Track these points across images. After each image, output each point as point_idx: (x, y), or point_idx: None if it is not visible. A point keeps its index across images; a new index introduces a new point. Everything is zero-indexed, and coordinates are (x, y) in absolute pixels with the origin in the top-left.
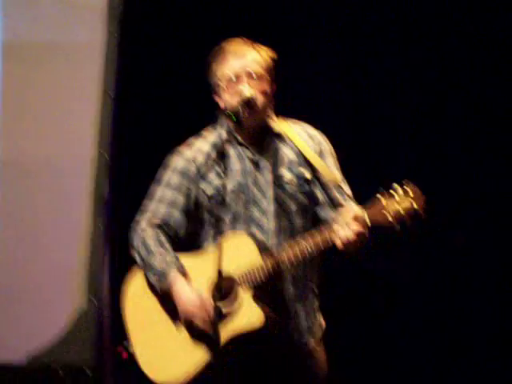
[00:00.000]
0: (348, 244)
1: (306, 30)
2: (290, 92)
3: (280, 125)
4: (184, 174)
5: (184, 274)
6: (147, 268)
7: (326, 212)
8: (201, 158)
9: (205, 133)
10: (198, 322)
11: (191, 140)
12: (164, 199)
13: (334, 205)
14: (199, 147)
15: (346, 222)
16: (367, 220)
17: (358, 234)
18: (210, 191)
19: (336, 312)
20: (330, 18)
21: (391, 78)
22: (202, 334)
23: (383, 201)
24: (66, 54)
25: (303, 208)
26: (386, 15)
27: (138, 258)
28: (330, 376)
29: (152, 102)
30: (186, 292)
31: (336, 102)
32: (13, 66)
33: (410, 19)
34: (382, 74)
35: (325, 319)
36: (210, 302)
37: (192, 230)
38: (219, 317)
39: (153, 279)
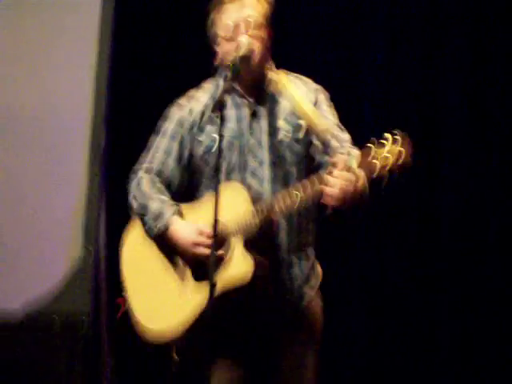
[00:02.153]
0: (338, 194)
1: None
2: (288, 45)
3: (278, 75)
4: (180, 123)
5: (181, 215)
6: (144, 212)
7: (323, 160)
8: (198, 108)
9: (204, 84)
10: (198, 251)
11: (191, 92)
12: (160, 149)
13: (330, 153)
14: (197, 97)
15: (338, 172)
16: (353, 164)
17: (347, 180)
18: (206, 141)
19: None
20: None
21: (385, 27)
22: (201, 273)
23: (373, 149)
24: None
25: (298, 157)
26: None
27: (134, 205)
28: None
29: (152, 49)
30: (185, 226)
31: (334, 57)
32: (7, 15)
33: None
34: (376, 24)
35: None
36: (209, 231)
37: (187, 182)
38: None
39: (150, 222)
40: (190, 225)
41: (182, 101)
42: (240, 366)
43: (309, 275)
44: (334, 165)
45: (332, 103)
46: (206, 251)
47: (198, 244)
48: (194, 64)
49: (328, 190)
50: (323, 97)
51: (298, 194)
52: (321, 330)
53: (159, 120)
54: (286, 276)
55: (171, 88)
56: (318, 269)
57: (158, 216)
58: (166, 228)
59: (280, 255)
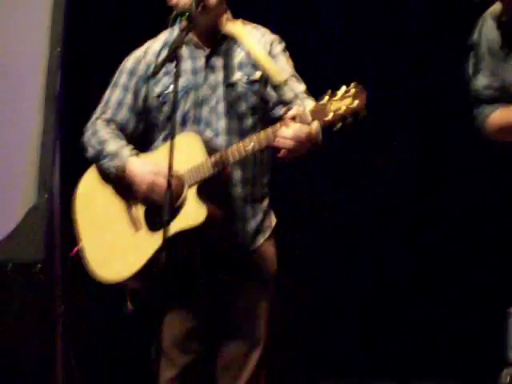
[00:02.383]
0: (292, 144)
1: None
2: None
3: (234, 25)
4: (132, 72)
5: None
6: (100, 155)
7: (278, 111)
8: (150, 56)
9: (160, 35)
10: (157, 189)
11: (147, 43)
12: (112, 98)
13: (285, 104)
14: (149, 46)
15: (292, 123)
16: (307, 116)
17: (300, 131)
18: (159, 89)
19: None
20: None
21: None
22: (154, 222)
23: (328, 100)
24: None
25: (253, 108)
26: None
27: (91, 151)
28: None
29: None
30: (143, 164)
31: (292, 7)
32: None
33: None
34: None
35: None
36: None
37: (142, 131)
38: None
39: (107, 163)
40: (150, 163)
41: (136, 52)
42: (193, 317)
43: (262, 225)
44: (288, 115)
45: (288, 53)
46: (162, 191)
47: (155, 184)
48: (152, 14)
49: (282, 140)
50: (280, 47)
51: (252, 145)
52: (273, 276)
53: (115, 72)
54: (239, 226)
55: (128, 39)
56: (272, 218)
57: (115, 156)
58: (124, 166)
59: (234, 205)
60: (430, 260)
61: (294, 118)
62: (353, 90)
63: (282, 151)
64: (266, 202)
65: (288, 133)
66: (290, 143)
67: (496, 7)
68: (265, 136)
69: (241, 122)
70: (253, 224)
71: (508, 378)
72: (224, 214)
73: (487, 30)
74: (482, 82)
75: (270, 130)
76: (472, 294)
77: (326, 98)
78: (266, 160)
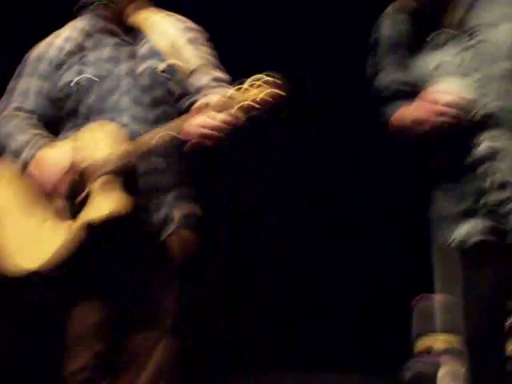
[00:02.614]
0: (204, 133)
1: None
2: None
3: (143, 13)
4: (40, 58)
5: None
6: (5, 151)
7: (189, 99)
8: (59, 43)
9: (70, 23)
10: (63, 181)
11: (55, 32)
12: (19, 87)
13: (197, 91)
14: (59, 33)
15: (206, 112)
16: (220, 105)
17: (211, 119)
18: (66, 78)
19: None
20: None
21: None
22: (64, 214)
23: (239, 87)
24: None
25: (166, 95)
26: None
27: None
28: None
29: None
30: (47, 158)
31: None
32: None
33: None
34: None
35: None
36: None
37: (51, 120)
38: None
39: (13, 159)
40: (59, 154)
41: (43, 41)
42: (102, 307)
43: (170, 216)
44: (194, 107)
45: (203, 39)
46: (68, 183)
47: (63, 175)
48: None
49: (189, 131)
50: (200, 36)
51: (160, 136)
52: (181, 266)
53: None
54: (149, 215)
55: (37, 29)
56: (187, 207)
57: (20, 152)
58: (33, 156)
59: (142, 195)
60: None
61: (206, 106)
62: (266, 79)
63: (193, 139)
64: (175, 193)
65: (199, 120)
66: (200, 131)
67: (400, 2)
68: (172, 127)
69: (148, 113)
70: (163, 212)
71: (408, 373)
72: (132, 204)
73: (390, 27)
74: (387, 77)
75: (177, 121)
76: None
77: (233, 89)
78: (176, 150)
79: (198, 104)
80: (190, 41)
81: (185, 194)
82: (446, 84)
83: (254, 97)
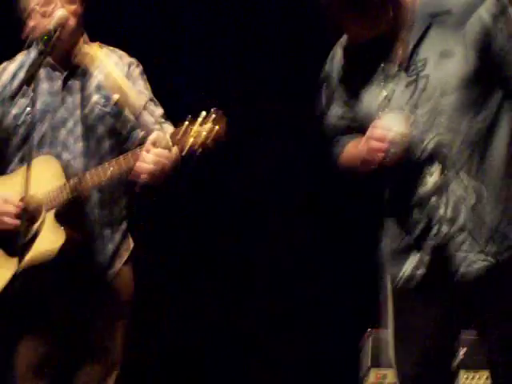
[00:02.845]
0: (153, 170)
1: None
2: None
3: (91, 48)
4: None
5: None
6: None
7: (137, 135)
8: (6, 77)
9: (17, 56)
10: (4, 221)
11: (2, 64)
12: None
13: (143, 128)
14: (5, 67)
15: (153, 148)
16: (169, 141)
17: (159, 155)
18: (15, 111)
19: None
20: None
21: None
22: (10, 248)
23: (188, 126)
24: None
25: (111, 131)
26: None
27: None
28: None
29: None
30: None
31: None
32: None
33: None
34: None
35: None
36: (15, 200)
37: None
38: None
39: None
40: (4, 189)
41: None
42: (47, 343)
43: (120, 248)
44: (149, 140)
45: (146, 76)
46: (12, 221)
47: (3, 213)
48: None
49: (143, 165)
50: (137, 70)
51: (112, 170)
52: (130, 302)
53: None
54: (96, 249)
55: None
56: (130, 242)
57: None
58: None
59: (92, 229)
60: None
61: (154, 143)
62: (213, 116)
63: (143, 176)
64: (124, 225)
65: (149, 158)
66: (150, 168)
67: (348, 38)
68: (125, 161)
69: (98, 145)
70: (111, 247)
71: None
72: (82, 237)
73: (337, 61)
74: (335, 113)
75: (130, 154)
76: (332, 317)
77: (186, 123)
78: (124, 183)
79: (152, 138)
80: (136, 74)
81: (130, 229)
82: (392, 119)
83: (208, 131)
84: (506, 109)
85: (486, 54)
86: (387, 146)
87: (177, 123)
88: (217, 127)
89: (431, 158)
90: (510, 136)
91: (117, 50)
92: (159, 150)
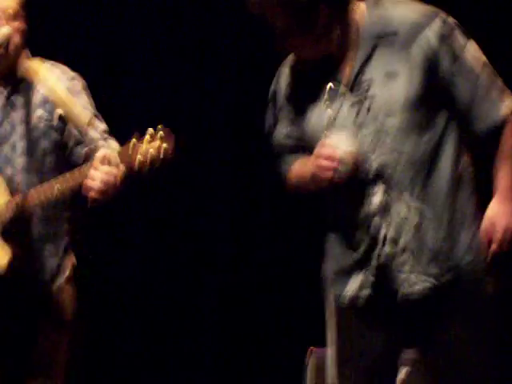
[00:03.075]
0: (100, 187)
1: None
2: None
3: (34, 63)
4: None
5: None
6: None
7: (81, 150)
8: None
9: None
10: None
11: None
12: None
13: (89, 143)
14: None
15: (101, 165)
16: (117, 159)
17: (107, 173)
18: None
19: None
20: None
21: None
22: None
23: (135, 142)
24: None
25: (54, 146)
26: None
27: None
28: (79, 313)
29: None
30: None
31: (96, 45)
32: None
33: None
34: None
35: None
36: None
37: None
38: None
39: None
40: None
41: None
42: None
43: (62, 265)
44: (97, 157)
45: (89, 91)
46: None
47: None
48: None
49: (91, 183)
50: (80, 84)
51: (58, 187)
52: (72, 317)
53: None
54: (39, 265)
55: None
56: (73, 258)
57: None
58: None
59: (35, 245)
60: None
61: (102, 161)
62: (160, 133)
63: (91, 194)
64: (66, 241)
65: (97, 176)
66: (99, 186)
67: (295, 56)
68: (72, 178)
69: (42, 161)
70: (53, 263)
71: None
72: (26, 253)
73: (284, 80)
74: (281, 131)
75: (77, 171)
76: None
77: (134, 140)
78: (68, 199)
79: (100, 155)
80: (80, 89)
81: (74, 244)
82: (340, 138)
83: (157, 149)
84: (452, 130)
85: (432, 76)
86: (336, 165)
87: (121, 139)
88: (165, 145)
89: (375, 178)
90: (455, 157)
91: (59, 64)
92: (107, 168)
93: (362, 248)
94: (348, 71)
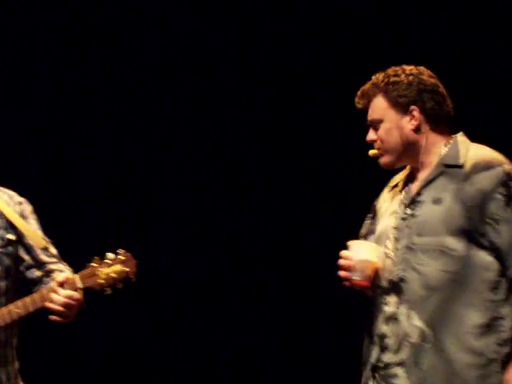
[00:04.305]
0: (62, 311)
1: None
2: None
3: None
4: None
5: None
6: None
7: (33, 274)
8: None
9: None
10: None
11: None
12: None
13: (41, 267)
14: None
15: (62, 290)
16: (78, 283)
17: (69, 297)
18: None
19: None
20: None
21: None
22: None
23: (95, 265)
24: None
25: (8, 270)
26: None
27: None
28: None
29: None
30: None
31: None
32: None
33: None
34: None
35: None
36: None
37: None
38: None
39: None
40: None
41: None
42: None
43: None
44: (57, 281)
45: (36, 215)
46: None
47: None
48: None
49: (52, 307)
50: (29, 208)
51: (17, 311)
52: None
53: None
54: None
55: None
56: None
57: None
58: None
59: None
60: None
61: (62, 285)
62: (121, 257)
63: (52, 317)
64: (17, 364)
65: (58, 299)
66: (60, 310)
67: (395, 179)
68: (31, 302)
69: None
70: None
71: None
72: None
73: (382, 196)
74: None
75: (37, 296)
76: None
77: (94, 264)
78: (15, 323)
79: (61, 279)
80: (29, 213)
81: (20, 370)
82: (361, 247)
83: (119, 272)
84: (478, 270)
85: (476, 214)
86: (350, 274)
87: (82, 263)
88: (127, 269)
89: (391, 289)
90: (479, 301)
91: (6, 189)
92: (67, 292)
93: (374, 355)
94: (414, 189)
